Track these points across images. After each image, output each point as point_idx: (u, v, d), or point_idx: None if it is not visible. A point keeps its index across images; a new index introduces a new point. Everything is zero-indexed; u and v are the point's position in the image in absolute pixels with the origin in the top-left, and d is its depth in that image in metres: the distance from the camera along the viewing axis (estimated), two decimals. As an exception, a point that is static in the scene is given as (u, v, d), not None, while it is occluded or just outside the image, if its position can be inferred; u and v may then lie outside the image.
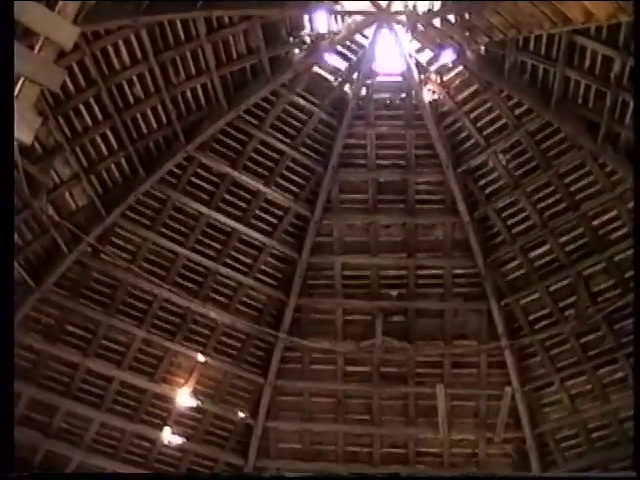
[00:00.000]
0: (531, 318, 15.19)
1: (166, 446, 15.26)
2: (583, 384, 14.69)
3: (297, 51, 14.11)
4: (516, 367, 15.18)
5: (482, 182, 15.09)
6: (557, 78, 12.86)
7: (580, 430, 14.69)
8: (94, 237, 13.98)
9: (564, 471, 14.68)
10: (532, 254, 14.97)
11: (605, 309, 13.94)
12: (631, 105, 12.05)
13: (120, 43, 12.30)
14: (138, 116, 13.46)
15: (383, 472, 15.78)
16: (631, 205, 13.32)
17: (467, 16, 11.42)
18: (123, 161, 13.80)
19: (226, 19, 12.98)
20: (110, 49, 12.28)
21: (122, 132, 13.30)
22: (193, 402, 15.27)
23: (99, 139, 13.26)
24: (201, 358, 15.31)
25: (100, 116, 12.98)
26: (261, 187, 15.09)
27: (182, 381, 15.28)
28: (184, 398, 15.20)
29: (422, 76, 14.53)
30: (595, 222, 14.03)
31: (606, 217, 13.86)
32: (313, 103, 14.83)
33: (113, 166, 13.75)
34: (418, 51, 14.44)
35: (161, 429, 15.14)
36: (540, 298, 14.99)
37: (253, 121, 14.54)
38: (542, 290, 14.88)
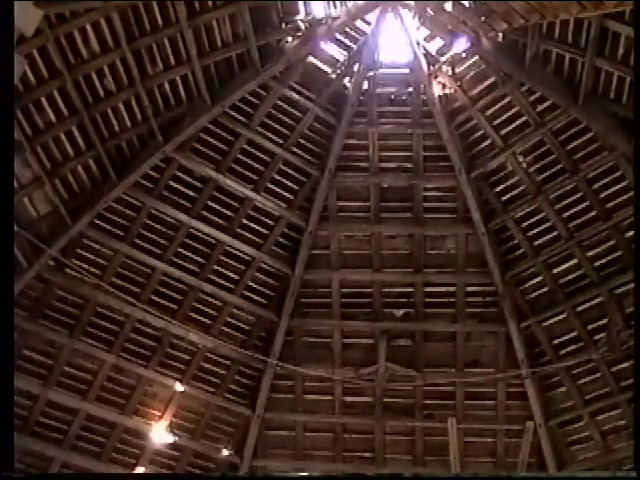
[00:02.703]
0: (555, 343, 15.14)
1: (139, 489, 15.16)
2: (616, 419, 14.60)
3: (290, 39, 13.99)
4: (539, 399, 15.15)
5: (499, 188, 15.02)
6: (586, 69, 12.73)
7: (613, 472, 14.51)
8: (58, 249, 13.81)
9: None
10: (557, 270, 14.90)
11: (641, 333, 13.78)
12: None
13: (88, 28, 12.10)
14: (109, 112, 13.29)
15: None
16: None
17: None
18: (92, 163, 13.62)
19: (209, 1, 12.85)
20: (77, 35, 12.07)
21: (90, 130, 13.12)
22: (170, 438, 15.13)
23: (64, 137, 13.07)
24: (179, 387, 15.19)
25: (65, 111, 12.79)
26: (249, 193, 14.98)
27: (157, 414, 15.17)
28: (159, 433, 15.05)
29: (432, 68, 14.47)
30: (629, 234, 13.87)
31: (642, 228, 13.72)
32: (308, 98, 14.72)
33: (80, 168, 13.57)
34: (427, 39, 14.30)
35: (133, 469, 14.96)
36: (566, 320, 14.92)
37: (240, 118, 14.42)
38: (568, 311, 14.81)
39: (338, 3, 14.02)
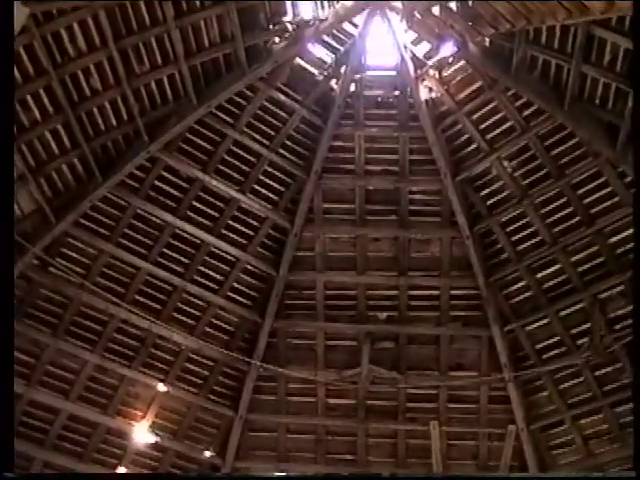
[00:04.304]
0: (539, 347, 15.18)
1: (121, 489, 15.11)
2: (598, 423, 14.67)
3: (277, 40, 13.96)
4: (521, 403, 15.20)
5: (484, 192, 15.05)
6: (572, 75, 12.78)
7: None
8: (41, 248, 13.75)
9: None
10: (540, 274, 14.94)
11: (624, 338, 13.83)
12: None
13: (75, 26, 12.07)
14: (95, 110, 13.24)
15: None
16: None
17: (470, 3, 11.30)
18: (77, 161, 13.57)
19: (197, 1, 12.82)
20: (63, 33, 12.05)
21: (76, 128, 13.07)
22: (152, 438, 15.07)
23: (49, 136, 13.02)
24: (162, 388, 15.14)
25: (51, 109, 12.73)
26: (234, 194, 14.94)
27: (140, 414, 15.10)
28: (142, 434, 14.98)
29: (418, 71, 14.46)
30: (613, 239, 13.97)
31: (625, 234, 13.75)
32: (295, 99, 14.71)
33: (65, 167, 13.51)
34: (414, 43, 14.41)
35: (115, 470, 14.90)
36: (549, 324, 14.96)
37: (226, 119, 14.39)
38: (551, 315, 14.85)
39: (326, 5, 14.02)
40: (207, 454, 15.61)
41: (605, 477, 14.36)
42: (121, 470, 14.88)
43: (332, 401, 15.96)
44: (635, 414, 12.45)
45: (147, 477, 15.11)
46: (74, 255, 14.26)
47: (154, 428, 15.10)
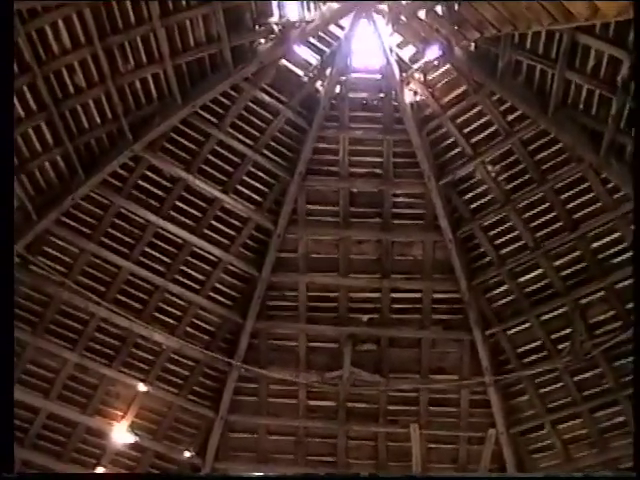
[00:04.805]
0: (520, 351, 15.19)
1: (99, 489, 15.03)
2: (578, 428, 14.69)
3: (263, 41, 13.92)
4: (501, 407, 15.22)
5: (468, 196, 15.07)
6: (556, 81, 12.81)
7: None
8: (23, 245, 13.65)
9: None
10: (522, 279, 14.95)
11: (604, 343, 13.91)
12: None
13: (60, 23, 11.97)
14: (78, 108, 13.15)
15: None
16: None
17: (456, 8, 11.31)
18: (59, 159, 13.47)
19: (183, 1, 12.77)
20: (48, 30, 11.95)
21: (59, 126, 12.97)
22: (131, 438, 14.99)
23: (32, 133, 12.91)
24: (142, 388, 15.06)
25: (34, 106, 12.62)
26: (218, 194, 14.89)
27: (119, 414, 15.01)
28: (121, 434, 14.90)
29: (404, 74, 14.48)
30: (595, 244, 14.01)
31: (607, 239, 13.84)
32: (280, 101, 14.68)
33: (47, 164, 13.42)
34: (400, 46, 14.41)
35: (94, 469, 14.81)
36: (530, 329, 14.98)
37: (211, 119, 14.35)
38: (533, 320, 14.87)
39: (312, 6, 14.01)
40: (187, 455, 15.55)
41: (605, 477, 14.31)
42: (100, 470, 14.81)
43: (313, 403, 15.93)
44: (635, 414, 12.55)
45: (148, 477, 15.11)
46: (55, 253, 14.17)
47: (134, 428, 15.02)
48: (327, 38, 14.49)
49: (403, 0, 12.36)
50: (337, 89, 14.77)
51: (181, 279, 15.16)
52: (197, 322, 15.50)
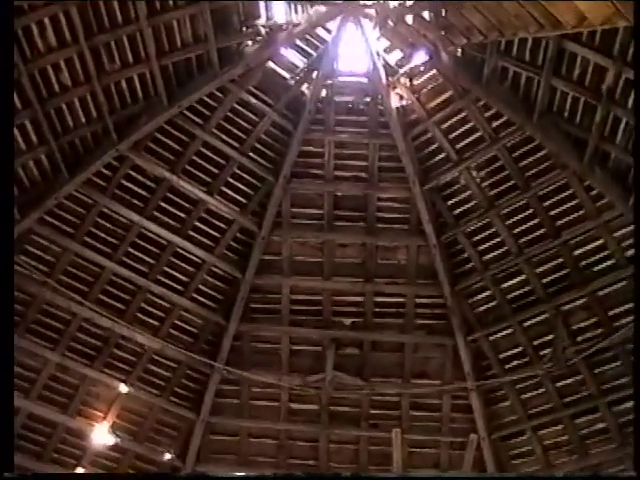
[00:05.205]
0: (502, 357, 15.22)
1: (78, 490, 14.93)
2: (558, 434, 14.73)
3: (250, 43, 13.90)
4: (483, 412, 15.24)
5: (452, 201, 15.08)
6: (542, 88, 12.84)
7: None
8: (5, 244, 13.52)
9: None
10: (505, 285, 14.98)
11: (585, 350, 13.95)
12: (624, 121, 12.08)
13: (46, 21, 11.89)
14: (63, 107, 13.07)
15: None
16: (618, 234, 13.43)
17: (444, 13, 11.32)
18: (43, 158, 13.38)
19: (170, 1, 12.73)
20: (34, 28, 11.86)
21: (44, 124, 12.88)
22: (112, 439, 14.91)
23: (16, 131, 12.78)
24: (124, 388, 14.99)
25: (19, 104, 12.50)
26: (202, 195, 14.84)
27: (100, 415, 14.93)
28: (102, 435, 14.82)
29: (390, 79, 14.47)
30: (577, 252, 14.06)
31: (590, 247, 13.89)
32: (266, 103, 14.65)
33: (31, 163, 13.32)
34: (387, 50, 14.43)
35: (73, 470, 14.74)
36: (512, 335, 15.01)
37: (196, 120, 14.30)
38: (515, 326, 14.90)
39: (300, 9, 14.01)
40: (167, 456, 15.48)
41: (604, 477, 14.31)
42: (79, 471, 14.74)
43: (295, 406, 15.90)
44: (635, 414, 12.58)
45: (149, 477, 15.10)
46: (38, 252, 14.08)
47: (114, 429, 14.94)
48: (314, 41, 14.49)
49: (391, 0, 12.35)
50: (323, 92, 14.76)
51: (164, 280, 15.10)
52: (180, 323, 15.44)
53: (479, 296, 15.28)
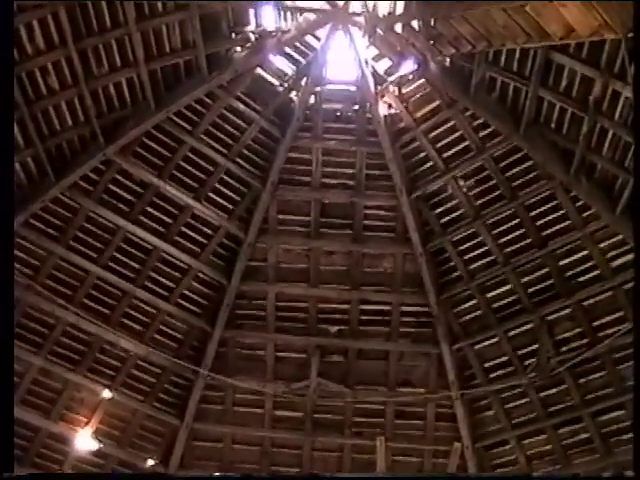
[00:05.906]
0: (486, 366, 15.24)
1: (60, 496, 14.81)
2: (542, 444, 14.74)
3: (239, 49, 13.90)
4: (467, 421, 15.24)
5: (439, 210, 15.09)
6: (529, 98, 12.87)
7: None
8: (-10, 247, 13.44)
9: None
10: (491, 294, 14.99)
11: (570, 360, 13.97)
12: (610, 132, 12.12)
13: (34, 24, 11.86)
14: (51, 110, 13.03)
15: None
16: (603, 245, 13.47)
17: (432, 23, 11.33)
18: (30, 161, 13.34)
19: (159, 6, 12.69)
20: (22, 30, 11.81)
21: (30, 127, 12.84)
22: (95, 445, 14.80)
23: (2, 133, 12.78)
24: (107, 394, 14.91)
25: (6, 107, 12.51)
26: (189, 201, 14.81)
27: (83, 420, 14.83)
28: (85, 440, 14.72)
29: (378, 87, 14.49)
30: (563, 262, 14.09)
31: (575, 257, 13.93)
32: (254, 109, 14.64)
33: (18, 166, 13.23)
34: (376, 59, 14.44)
35: (55, 475, 14.61)
36: (497, 344, 15.02)
37: (184, 125, 14.28)
38: (500, 335, 14.91)
39: (289, 16, 14.00)
40: (150, 462, 15.38)
41: (604, 477, 14.26)
42: (61, 476, 14.67)
43: (279, 413, 15.85)
44: (635, 414, 12.57)
45: (149, 477, 15.04)
46: (23, 256, 13.98)
47: (97, 434, 14.84)
48: (303, 48, 14.50)
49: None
50: (312, 99, 14.77)
51: (150, 285, 15.05)
52: (165, 329, 15.39)
53: (464, 305, 15.29)
